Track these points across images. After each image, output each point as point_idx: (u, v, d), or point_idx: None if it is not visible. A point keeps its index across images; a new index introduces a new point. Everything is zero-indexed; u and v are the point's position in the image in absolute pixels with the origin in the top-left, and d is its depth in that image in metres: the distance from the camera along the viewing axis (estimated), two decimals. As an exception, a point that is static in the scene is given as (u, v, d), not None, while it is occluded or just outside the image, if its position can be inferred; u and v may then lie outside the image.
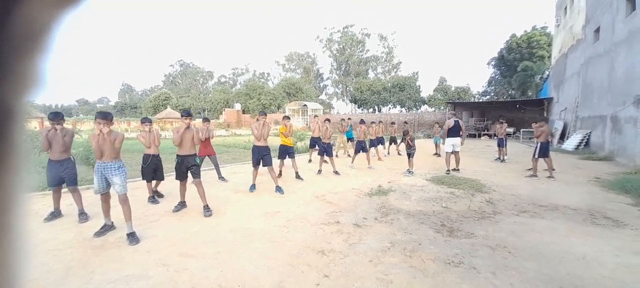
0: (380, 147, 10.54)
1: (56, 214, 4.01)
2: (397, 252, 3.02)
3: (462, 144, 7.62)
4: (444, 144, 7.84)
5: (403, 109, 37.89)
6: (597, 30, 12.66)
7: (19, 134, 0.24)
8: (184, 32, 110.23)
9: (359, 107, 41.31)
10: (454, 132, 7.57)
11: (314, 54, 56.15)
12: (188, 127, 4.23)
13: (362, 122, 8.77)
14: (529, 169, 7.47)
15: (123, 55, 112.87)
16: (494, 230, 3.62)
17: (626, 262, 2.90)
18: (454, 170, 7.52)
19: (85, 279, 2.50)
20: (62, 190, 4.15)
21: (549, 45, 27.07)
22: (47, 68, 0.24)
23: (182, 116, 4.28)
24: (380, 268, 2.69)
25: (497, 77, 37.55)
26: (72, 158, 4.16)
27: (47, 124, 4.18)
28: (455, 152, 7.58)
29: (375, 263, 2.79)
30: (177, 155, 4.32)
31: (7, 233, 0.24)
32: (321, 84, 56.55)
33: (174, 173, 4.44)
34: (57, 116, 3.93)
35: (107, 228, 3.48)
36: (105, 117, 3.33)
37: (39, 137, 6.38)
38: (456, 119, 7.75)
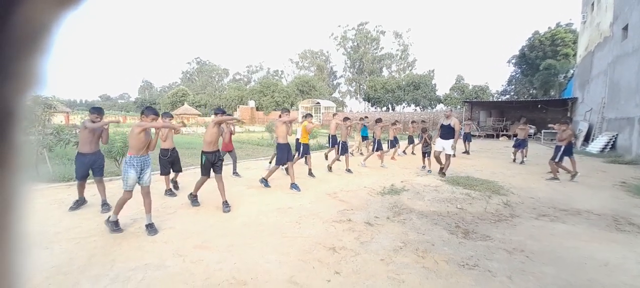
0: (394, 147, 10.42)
1: (81, 202, 4.21)
2: (410, 252, 2.99)
3: (454, 148, 6.71)
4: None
5: (418, 108, 37.26)
6: (626, 28, 12.01)
7: (19, 133, 0.24)
8: (201, 30, 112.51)
9: (372, 106, 40.93)
10: (445, 133, 6.80)
11: (327, 52, 56.04)
12: (219, 125, 4.36)
13: (378, 120, 8.68)
14: (550, 172, 7.19)
15: (143, 52, 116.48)
16: (511, 234, 3.52)
17: (652, 270, 2.76)
18: (439, 172, 6.96)
19: (106, 267, 2.61)
20: (88, 182, 4.35)
21: (574, 42, 25.88)
22: (47, 68, 0.24)
23: (215, 114, 4.40)
24: (392, 267, 2.68)
25: (517, 75, 36.28)
26: (101, 151, 4.37)
27: (78, 117, 4.39)
28: (447, 155, 6.85)
29: (386, 262, 2.77)
30: (206, 152, 4.31)
31: (8, 233, 0.24)
32: (334, 82, 56.36)
33: (192, 165, 4.55)
34: (99, 111, 4.17)
35: (117, 226, 3.42)
36: (156, 113, 3.60)
37: (67, 130, 6.67)
38: (452, 120, 6.78)
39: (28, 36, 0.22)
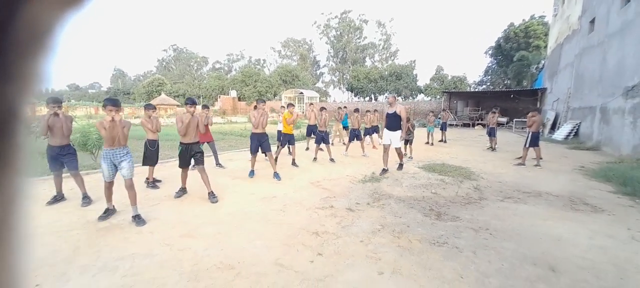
0: (375, 135, 10.71)
1: (59, 198, 4.13)
2: (387, 233, 3.22)
3: (402, 138, 6.02)
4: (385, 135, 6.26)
5: (399, 98, 37.97)
6: (593, 21, 12.78)
7: (22, 134, 0.24)
8: (178, 15, 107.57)
9: (355, 96, 41.27)
10: (391, 123, 5.93)
11: (310, 41, 55.48)
12: (192, 116, 4.32)
13: (356, 110, 8.93)
14: (518, 158, 7.73)
15: (114, 39, 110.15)
16: (479, 214, 3.84)
17: (599, 243, 3.13)
18: (384, 171, 6.04)
19: (92, 257, 2.65)
20: (64, 175, 4.25)
21: (546, 35, 27.12)
22: (50, 69, 0.24)
23: (186, 104, 4.35)
24: (370, 247, 2.89)
25: (493, 66, 37.64)
26: (72, 144, 4.25)
27: (44, 109, 4.22)
28: (397, 150, 6.11)
29: (365, 243, 2.99)
30: (181, 143, 4.37)
31: (10, 233, 0.24)
32: (318, 72, 56.10)
33: (175, 158, 4.56)
34: (56, 101, 3.98)
35: (110, 212, 3.59)
36: (115, 104, 3.41)
37: (36, 122, 6.39)
38: (397, 107, 5.91)
39: (31, 37, 0.23)
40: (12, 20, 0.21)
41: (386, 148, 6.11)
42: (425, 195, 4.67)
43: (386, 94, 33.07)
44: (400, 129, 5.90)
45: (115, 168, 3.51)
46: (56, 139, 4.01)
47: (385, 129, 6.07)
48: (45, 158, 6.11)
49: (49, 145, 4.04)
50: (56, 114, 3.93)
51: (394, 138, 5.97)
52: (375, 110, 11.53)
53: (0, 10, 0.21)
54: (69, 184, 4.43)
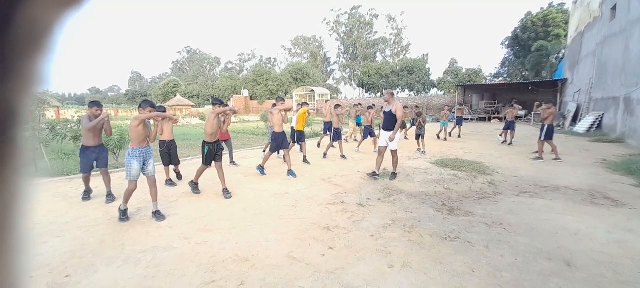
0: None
1: (89, 192, 4.39)
2: (397, 228, 3.25)
3: (392, 140, 5.19)
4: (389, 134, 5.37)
5: (412, 93, 37.40)
6: (614, 8, 12.19)
7: (21, 133, 0.24)
8: (190, 18, 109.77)
9: (366, 92, 40.97)
10: (387, 122, 5.27)
11: (320, 38, 55.38)
12: (216, 115, 4.48)
13: (370, 107, 8.90)
14: (535, 152, 7.51)
15: (131, 43, 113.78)
16: (492, 209, 3.80)
17: (618, 238, 3.05)
18: (375, 175, 5.44)
19: (117, 250, 2.82)
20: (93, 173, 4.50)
21: (566, 23, 25.99)
22: (50, 68, 0.24)
23: (213, 104, 4.54)
24: (381, 242, 2.93)
25: (510, 57, 36.46)
26: (104, 145, 4.51)
27: (71, 112, 4.47)
28: (392, 151, 5.31)
29: (376, 237, 3.03)
30: (207, 143, 4.47)
31: (10, 232, 0.24)
32: (328, 69, 55.99)
33: (191, 156, 4.72)
34: (98, 104, 4.28)
35: (126, 213, 3.60)
36: (153, 105, 3.71)
37: (61, 125, 6.75)
38: (394, 105, 5.17)
39: (32, 35, 0.23)
40: (11, 20, 0.21)
41: (381, 151, 5.40)
42: (437, 191, 4.64)
43: (437, 93, 32.30)
44: (393, 128, 5.18)
45: (141, 168, 3.66)
46: (95, 139, 4.26)
47: (381, 129, 5.43)
48: (71, 158, 6.45)
49: (84, 146, 4.27)
50: (95, 117, 4.19)
51: (389, 138, 5.25)
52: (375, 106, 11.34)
53: (0, 10, 0.21)
54: (94, 182, 4.66)
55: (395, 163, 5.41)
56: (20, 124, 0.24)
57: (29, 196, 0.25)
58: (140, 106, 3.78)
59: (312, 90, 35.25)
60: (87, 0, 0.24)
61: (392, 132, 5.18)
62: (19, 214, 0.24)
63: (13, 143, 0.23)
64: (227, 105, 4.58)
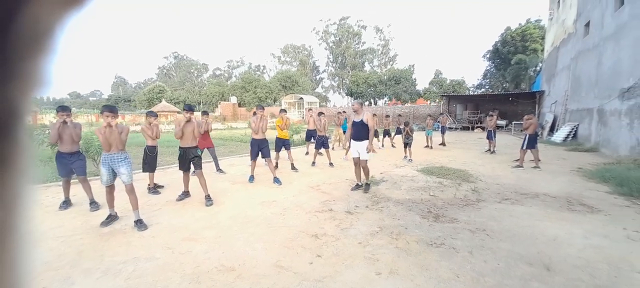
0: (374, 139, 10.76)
1: (67, 203, 4.20)
2: (385, 235, 3.27)
3: (370, 150, 4.99)
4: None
5: (399, 103, 38.14)
6: (587, 25, 12.92)
7: (23, 133, 0.24)
8: (178, 23, 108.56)
9: (355, 100, 41.47)
10: (357, 132, 5.07)
11: (310, 47, 56.04)
12: (189, 121, 4.43)
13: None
14: (516, 160, 7.79)
15: (115, 47, 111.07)
16: (476, 216, 3.89)
17: (594, 243, 3.18)
18: (358, 186, 5.24)
19: (96, 261, 2.71)
20: (72, 181, 4.33)
21: (542, 38, 27.36)
22: (51, 69, 0.24)
23: (184, 110, 4.47)
24: (369, 249, 2.94)
25: (491, 69, 37.90)
26: (81, 151, 4.33)
27: (50, 117, 4.32)
28: (363, 162, 5.06)
29: (364, 245, 3.04)
30: (180, 147, 4.55)
31: (12, 233, 0.24)
32: (317, 77, 56.47)
33: (177, 164, 4.66)
34: (65, 109, 4.10)
35: (112, 218, 3.65)
36: (112, 110, 3.49)
37: (44, 130, 6.48)
38: (364, 114, 5.04)
39: (33, 36, 0.22)
40: (12, 20, 0.21)
41: (355, 161, 5.18)
42: (423, 198, 4.72)
43: (386, 99, 33.25)
44: (367, 138, 5.00)
45: (113, 173, 3.58)
46: (66, 145, 4.09)
47: (351, 139, 5.22)
48: (48, 165, 6.19)
49: (59, 152, 4.12)
50: (65, 122, 4.02)
51: (361, 149, 5.03)
52: (374, 115, 11.51)
53: (0, 10, 0.21)
54: (73, 190, 4.49)
55: (366, 173, 5.17)
56: (22, 124, 0.24)
57: (32, 197, 0.25)
58: (101, 112, 3.61)
59: (301, 98, 35.38)
60: (88, 0, 0.24)
61: (366, 142, 4.99)
62: (22, 215, 0.24)
63: (16, 143, 0.23)
64: (192, 112, 4.52)
